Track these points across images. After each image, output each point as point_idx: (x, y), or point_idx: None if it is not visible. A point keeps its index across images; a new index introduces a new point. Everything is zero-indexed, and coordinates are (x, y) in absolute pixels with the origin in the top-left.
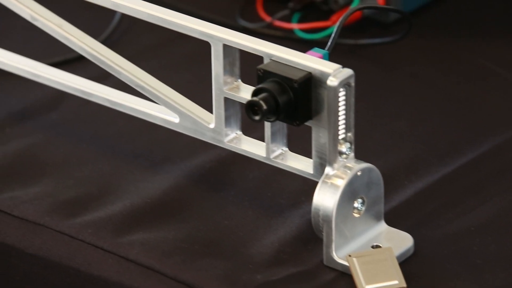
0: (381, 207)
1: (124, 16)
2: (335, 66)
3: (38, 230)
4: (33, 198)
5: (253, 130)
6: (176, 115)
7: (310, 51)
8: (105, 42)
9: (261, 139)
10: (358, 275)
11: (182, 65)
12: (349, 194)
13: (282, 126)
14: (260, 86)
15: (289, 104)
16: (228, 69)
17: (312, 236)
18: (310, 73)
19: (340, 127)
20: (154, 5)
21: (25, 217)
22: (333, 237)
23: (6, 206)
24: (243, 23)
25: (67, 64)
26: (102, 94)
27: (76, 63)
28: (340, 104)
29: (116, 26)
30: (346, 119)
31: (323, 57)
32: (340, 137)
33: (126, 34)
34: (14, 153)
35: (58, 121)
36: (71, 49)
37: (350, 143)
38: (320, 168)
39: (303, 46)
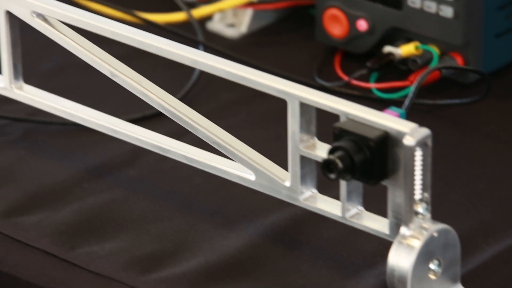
0: (457, 270)
1: (202, 73)
2: (412, 125)
3: (113, 286)
4: (109, 253)
5: (328, 189)
6: (252, 173)
7: (387, 110)
8: (183, 99)
9: (337, 197)
10: None
11: (258, 122)
12: (425, 255)
13: (357, 185)
14: (336, 144)
15: (365, 163)
16: (304, 127)
17: None
18: (386, 132)
19: (416, 187)
20: (232, 62)
21: (100, 272)
22: None
23: (83, 261)
24: (321, 81)
25: (145, 120)
26: (179, 151)
27: (154, 119)
28: (416, 164)
29: (195, 83)
30: (422, 179)
31: (400, 116)
32: (417, 197)
33: (204, 91)
34: (91, 208)
35: (135, 177)
36: (150, 105)
37: (427, 203)
38: (395, 228)
39: (380, 105)
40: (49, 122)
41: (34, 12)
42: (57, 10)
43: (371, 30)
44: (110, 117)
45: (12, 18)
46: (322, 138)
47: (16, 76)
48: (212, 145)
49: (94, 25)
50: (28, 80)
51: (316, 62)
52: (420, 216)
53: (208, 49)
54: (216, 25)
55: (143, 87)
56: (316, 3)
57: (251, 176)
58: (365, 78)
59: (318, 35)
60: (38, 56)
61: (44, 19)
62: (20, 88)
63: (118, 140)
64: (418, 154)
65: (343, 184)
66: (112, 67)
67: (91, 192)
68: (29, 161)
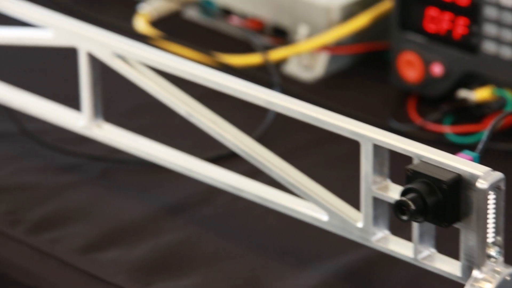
0: None
1: (277, 115)
2: (485, 169)
3: None
4: None
5: (401, 230)
6: (324, 213)
7: (460, 153)
8: (258, 140)
9: (409, 239)
10: None
11: (332, 163)
12: None
13: (430, 227)
14: (408, 186)
15: (437, 205)
16: (377, 169)
17: None
18: (459, 175)
19: (489, 230)
20: (306, 103)
21: None
22: None
23: None
24: (394, 124)
25: (220, 160)
26: (253, 190)
27: (229, 159)
28: (489, 207)
29: (270, 124)
30: (495, 222)
31: (474, 160)
32: (489, 240)
33: (279, 132)
34: (166, 245)
35: (209, 215)
36: (225, 145)
37: (499, 246)
38: (468, 271)
39: (454, 149)
40: (127, 161)
41: (114, 53)
42: (137, 52)
43: (446, 75)
44: (186, 157)
45: (93, 59)
46: (395, 180)
47: (96, 115)
48: (286, 185)
49: (172, 66)
50: (108, 119)
51: (390, 105)
52: (492, 260)
53: (284, 91)
54: (292, 68)
55: (219, 128)
56: (391, 47)
57: (324, 217)
58: (439, 122)
59: (393, 79)
60: (118, 96)
61: (124, 60)
62: (99, 127)
63: (193, 179)
64: (491, 198)
65: (415, 225)
66: (189, 107)
67: (167, 230)
68: (106, 199)
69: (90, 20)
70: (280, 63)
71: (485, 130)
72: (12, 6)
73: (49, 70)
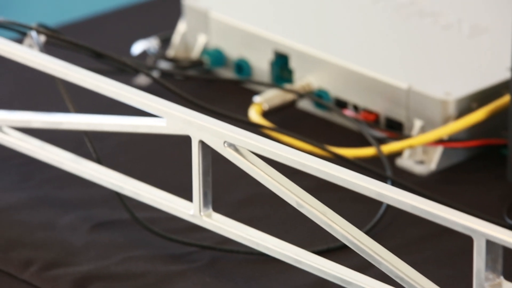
0: None
1: (389, 208)
2: None
3: None
4: None
5: None
6: None
7: None
8: (368, 233)
9: None
10: None
11: (444, 259)
12: None
13: None
14: None
15: None
16: (490, 265)
17: None
18: None
19: None
20: (418, 197)
21: None
22: None
23: None
24: (510, 221)
25: (329, 252)
26: (363, 284)
27: (339, 251)
28: None
29: (381, 217)
30: None
31: None
32: None
33: (390, 226)
34: None
35: None
36: (334, 237)
37: None
38: None
39: None
40: (236, 250)
41: (226, 142)
42: (249, 141)
43: None
44: (295, 248)
45: (205, 148)
46: (508, 278)
47: (205, 204)
48: (396, 279)
49: (283, 156)
50: (217, 209)
51: (506, 203)
52: None
53: (396, 184)
54: (406, 161)
55: (329, 219)
56: (509, 142)
57: None
58: None
59: (510, 175)
60: (228, 186)
61: (236, 150)
62: (209, 216)
63: (302, 271)
64: None
65: None
66: (299, 198)
67: None
68: None
69: (204, 110)
70: (393, 156)
71: None
72: (127, 94)
73: (162, 159)
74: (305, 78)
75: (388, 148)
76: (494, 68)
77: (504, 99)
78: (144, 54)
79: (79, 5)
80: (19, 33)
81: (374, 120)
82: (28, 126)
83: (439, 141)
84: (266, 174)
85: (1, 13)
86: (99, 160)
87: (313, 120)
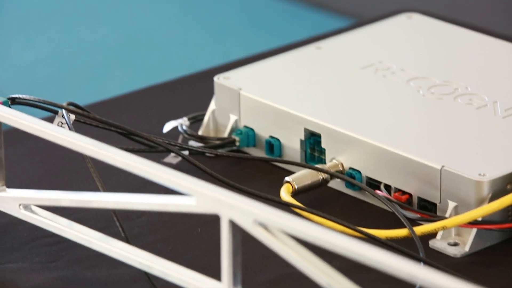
0: None
1: None
2: None
3: None
4: None
5: None
6: None
7: None
8: None
9: None
10: None
11: None
12: None
13: None
14: None
15: None
16: None
17: None
18: None
19: None
20: (451, 278)
21: None
22: None
23: None
24: None
25: None
26: None
27: None
28: None
29: None
30: None
31: None
32: None
33: None
34: None
35: None
36: None
37: None
38: None
39: None
40: None
41: (256, 221)
42: (279, 220)
43: None
44: None
45: (234, 227)
46: None
47: (235, 285)
48: None
49: (314, 236)
50: None
51: None
52: None
53: (429, 265)
54: (439, 243)
55: None
56: None
57: None
58: None
59: None
60: (258, 265)
61: (266, 229)
62: None
63: None
64: None
65: None
66: (330, 278)
67: None
68: None
69: (234, 189)
70: (426, 237)
71: None
72: (156, 172)
73: (191, 238)
74: (336, 157)
75: (421, 229)
76: None
77: None
78: (175, 132)
79: (110, 86)
80: (50, 112)
81: (406, 200)
82: (57, 205)
83: (473, 223)
84: (297, 254)
85: (33, 93)
86: (127, 240)
87: (345, 200)
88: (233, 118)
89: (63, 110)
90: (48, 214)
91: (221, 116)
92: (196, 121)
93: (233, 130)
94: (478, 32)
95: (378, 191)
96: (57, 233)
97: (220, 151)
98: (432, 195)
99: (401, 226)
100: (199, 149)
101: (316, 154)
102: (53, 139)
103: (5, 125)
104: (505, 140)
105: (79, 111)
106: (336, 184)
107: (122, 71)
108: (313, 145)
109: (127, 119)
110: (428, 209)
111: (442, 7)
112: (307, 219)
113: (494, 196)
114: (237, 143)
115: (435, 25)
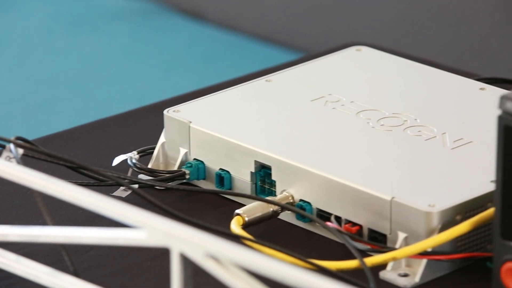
0: None
1: None
2: None
3: None
4: None
5: None
6: None
7: None
8: None
9: None
10: None
11: None
12: None
13: None
14: None
15: None
16: None
17: None
18: None
19: None
20: None
21: None
22: None
23: None
24: None
25: None
26: None
27: None
28: None
29: None
30: None
31: None
32: None
33: None
34: None
35: None
36: None
37: None
38: None
39: None
40: None
41: (207, 253)
42: (230, 253)
43: None
44: None
45: (185, 260)
46: None
47: None
48: None
49: (265, 268)
50: None
51: None
52: None
53: None
54: (389, 274)
55: None
56: (493, 256)
57: None
58: None
59: None
60: None
61: (217, 261)
62: None
63: None
64: None
65: None
66: None
67: None
68: None
69: (184, 221)
70: (377, 268)
71: None
72: (106, 205)
73: (142, 272)
74: (287, 189)
75: (372, 260)
76: (478, 180)
77: (488, 212)
78: (124, 166)
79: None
80: None
81: (357, 232)
82: (5, 240)
83: (423, 254)
84: (248, 286)
85: None
86: (76, 274)
87: (296, 232)
88: (183, 151)
89: (11, 145)
90: None
91: (171, 149)
92: (146, 154)
93: (183, 163)
94: (426, 64)
95: (328, 223)
96: (5, 268)
97: (170, 184)
98: (382, 226)
99: (352, 257)
100: (149, 182)
101: (267, 186)
102: (1, 174)
103: None
104: (454, 171)
105: (27, 145)
106: (287, 216)
107: (71, 106)
108: (263, 177)
109: (76, 153)
110: (379, 240)
111: (390, 40)
112: (258, 251)
113: (444, 227)
114: (187, 176)
115: (384, 58)
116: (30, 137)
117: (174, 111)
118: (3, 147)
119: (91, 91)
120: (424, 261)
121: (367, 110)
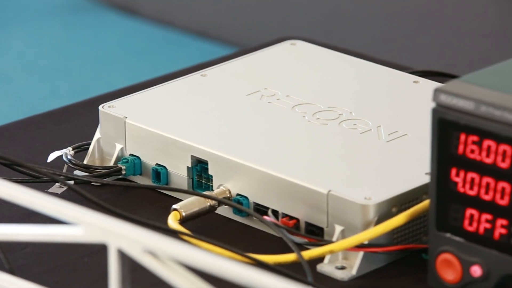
0: None
1: None
2: None
3: None
4: None
5: None
6: None
7: None
8: None
9: None
10: None
11: None
12: None
13: None
14: None
15: None
16: None
17: None
18: None
19: None
20: None
21: None
22: None
23: None
24: None
25: None
26: None
27: None
28: None
29: None
30: None
31: None
32: None
33: None
34: None
35: None
36: None
37: None
38: None
39: None
40: None
41: (145, 249)
42: (167, 248)
43: (485, 277)
44: None
45: (122, 256)
46: None
47: None
48: None
49: (203, 263)
50: None
51: None
52: None
53: None
54: (326, 267)
55: None
56: (429, 248)
57: None
58: None
59: (431, 280)
60: None
61: (155, 257)
62: None
63: None
64: None
65: None
66: None
67: None
68: None
69: (121, 217)
70: (314, 262)
71: None
72: (41, 202)
73: (79, 268)
74: (223, 184)
75: (309, 253)
76: (413, 172)
77: (423, 204)
78: (59, 162)
79: None
80: None
81: (294, 225)
82: None
83: (360, 246)
84: (186, 281)
85: None
86: (12, 271)
87: (233, 226)
88: (118, 146)
89: None
90: None
91: (106, 145)
92: (81, 150)
93: (119, 159)
94: (360, 58)
95: (265, 217)
96: None
97: (106, 180)
98: (319, 220)
99: (289, 251)
100: (84, 178)
101: (203, 181)
102: None
103: None
104: (389, 164)
105: None
106: (224, 211)
107: (3, 102)
108: (200, 172)
109: (9, 150)
110: (316, 234)
111: (324, 34)
112: (195, 246)
113: (380, 220)
114: (123, 172)
115: (318, 51)
116: None
117: (109, 106)
118: None
119: (24, 87)
120: (361, 254)
121: (302, 104)
